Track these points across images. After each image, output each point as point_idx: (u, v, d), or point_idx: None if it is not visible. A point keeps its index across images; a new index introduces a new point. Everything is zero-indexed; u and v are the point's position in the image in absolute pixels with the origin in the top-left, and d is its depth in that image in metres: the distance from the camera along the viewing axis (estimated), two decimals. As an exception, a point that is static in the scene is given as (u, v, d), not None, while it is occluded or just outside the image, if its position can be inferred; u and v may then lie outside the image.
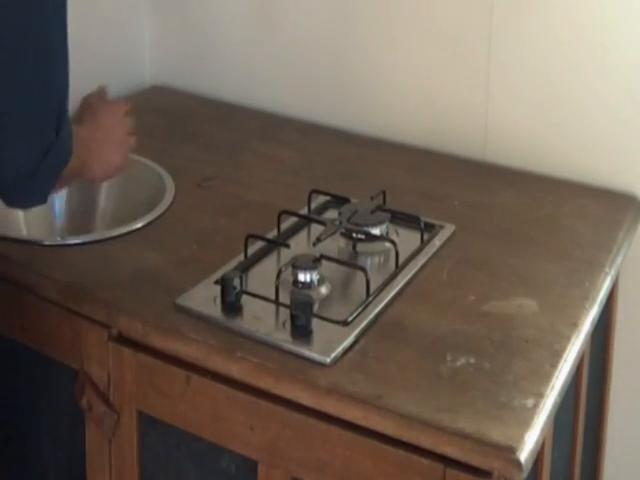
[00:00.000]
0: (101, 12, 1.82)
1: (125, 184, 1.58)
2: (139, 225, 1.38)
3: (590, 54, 1.52)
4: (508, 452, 0.94)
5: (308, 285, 1.19)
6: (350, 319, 1.13)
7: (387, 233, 1.34)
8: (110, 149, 1.23)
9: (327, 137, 1.75)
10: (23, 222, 1.51)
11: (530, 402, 1.01)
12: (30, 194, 1.09)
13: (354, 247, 1.32)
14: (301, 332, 1.11)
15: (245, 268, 1.25)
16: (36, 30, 1.03)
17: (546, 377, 1.05)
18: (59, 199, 1.60)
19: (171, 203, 1.45)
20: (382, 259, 1.31)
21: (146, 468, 1.20)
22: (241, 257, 1.26)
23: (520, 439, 0.95)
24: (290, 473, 1.08)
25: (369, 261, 1.30)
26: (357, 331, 1.12)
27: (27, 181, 1.06)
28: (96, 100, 1.29)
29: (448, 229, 1.37)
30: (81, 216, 1.62)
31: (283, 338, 1.10)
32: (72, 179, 1.19)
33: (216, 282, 1.20)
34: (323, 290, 1.20)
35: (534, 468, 1.04)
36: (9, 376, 1.32)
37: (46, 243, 1.35)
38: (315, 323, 1.12)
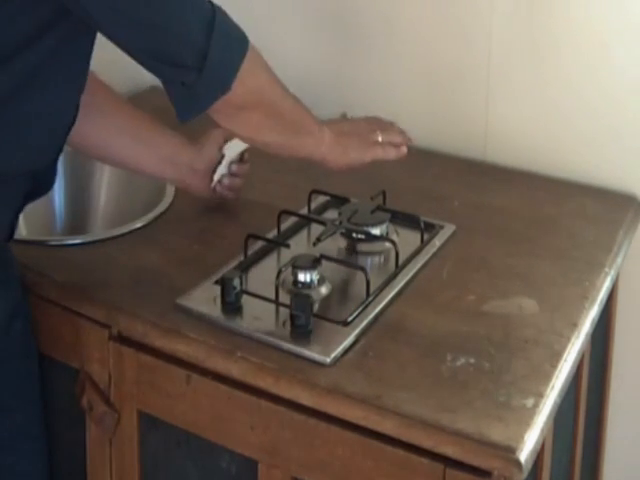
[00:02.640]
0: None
1: (125, 184, 1.59)
2: (139, 225, 1.38)
3: (590, 54, 1.52)
4: (508, 452, 0.94)
5: (308, 285, 1.19)
6: (350, 319, 1.13)
7: (387, 233, 1.34)
8: (351, 141, 1.27)
9: (327, 137, 1.75)
10: (23, 222, 1.51)
11: (530, 402, 1.01)
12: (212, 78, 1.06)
13: (354, 247, 1.32)
14: (301, 332, 1.11)
15: (245, 268, 1.25)
16: None
17: (546, 377, 1.05)
18: (59, 199, 1.60)
19: (171, 203, 1.45)
20: (382, 259, 1.31)
21: (146, 468, 1.20)
22: (241, 257, 1.26)
23: (520, 439, 0.96)
24: (290, 473, 1.08)
25: (369, 261, 1.30)
26: (357, 331, 1.12)
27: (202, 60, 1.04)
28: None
29: (448, 229, 1.37)
30: (81, 216, 1.62)
31: (283, 338, 1.10)
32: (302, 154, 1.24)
33: (216, 282, 1.20)
34: (323, 290, 1.20)
35: (534, 468, 1.04)
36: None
37: (46, 243, 1.35)
38: (315, 323, 1.12)
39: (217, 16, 1.07)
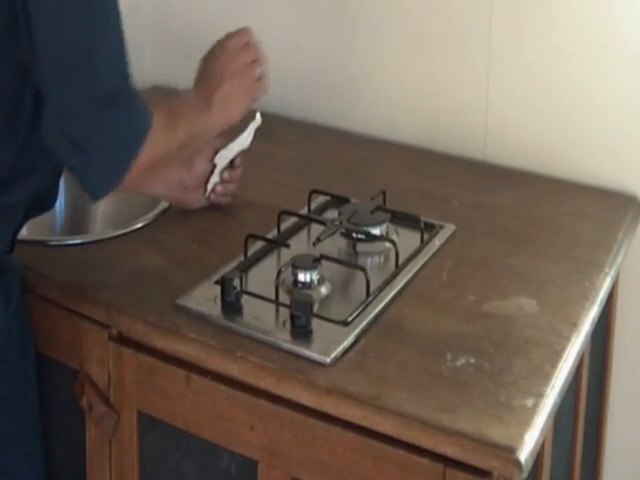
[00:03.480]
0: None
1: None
2: (139, 225, 1.38)
3: (590, 54, 1.51)
4: (508, 452, 0.94)
5: (308, 285, 1.19)
6: (350, 319, 1.13)
7: (387, 233, 1.34)
8: (232, 102, 1.23)
9: (327, 137, 1.75)
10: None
11: (530, 402, 1.01)
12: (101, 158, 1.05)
13: (354, 247, 1.32)
14: (301, 332, 1.11)
15: (245, 268, 1.25)
16: None
17: (546, 377, 1.05)
18: (59, 199, 1.59)
19: (171, 203, 1.45)
20: (382, 259, 1.31)
21: (146, 468, 1.20)
22: (241, 257, 1.26)
23: (520, 439, 0.95)
24: (290, 473, 1.08)
25: (369, 261, 1.30)
26: (357, 331, 1.12)
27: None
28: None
29: (448, 229, 1.37)
30: (81, 216, 1.62)
31: (283, 338, 1.10)
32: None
33: (216, 282, 1.20)
34: (323, 290, 1.20)
35: (534, 468, 1.04)
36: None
37: (46, 243, 1.35)
38: (315, 323, 1.12)
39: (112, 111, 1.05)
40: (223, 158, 1.41)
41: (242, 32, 1.26)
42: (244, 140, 1.42)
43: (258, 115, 1.42)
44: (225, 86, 1.22)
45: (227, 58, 1.24)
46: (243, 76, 1.24)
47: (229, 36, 1.26)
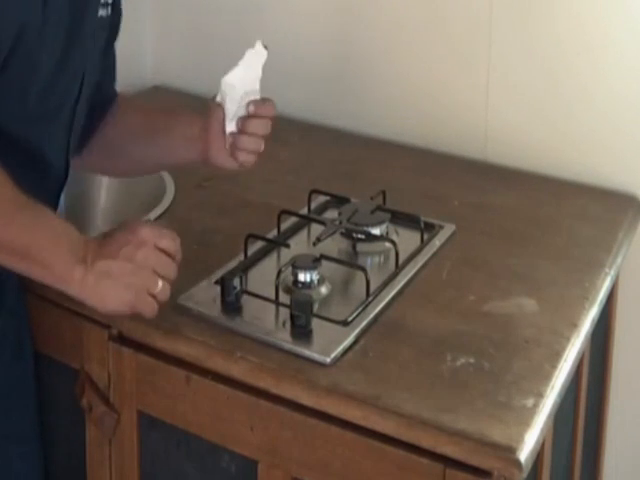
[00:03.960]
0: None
1: (125, 184, 1.59)
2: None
3: (590, 54, 1.52)
4: (508, 452, 0.94)
5: (308, 285, 1.19)
6: (350, 319, 1.13)
7: (387, 233, 1.34)
8: (116, 276, 1.01)
9: (327, 137, 1.75)
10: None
11: (530, 402, 1.01)
12: None
13: (354, 247, 1.32)
14: (301, 332, 1.11)
15: (245, 268, 1.25)
16: None
17: (546, 377, 1.05)
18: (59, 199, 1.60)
19: (171, 203, 1.45)
20: (382, 259, 1.31)
21: (146, 468, 1.20)
22: (241, 257, 1.26)
23: (520, 439, 0.95)
24: (290, 473, 1.08)
25: (369, 261, 1.30)
26: (357, 331, 1.12)
27: None
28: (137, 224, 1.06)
29: (448, 229, 1.37)
30: (81, 216, 1.62)
31: (283, 338, 1.10)
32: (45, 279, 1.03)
33: (216, 282, 1.20)
34: (323, 290, 1.20)
35: (534, 468, 1.04)
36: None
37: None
38: (315, 323, 1.12)
39: None
40: (229, 89, 1.20)
41: (170, 236, 1.05)
42: (248, 74, 1.21)
43: (259, 45, 1.21)
44: (114, 263, 1.01)
45: (141, 240, 1.02)
46: (141, 273, 1.01)
47: (157, 229, 1.05)
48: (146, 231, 1.03)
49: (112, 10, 1.20)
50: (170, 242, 1.04)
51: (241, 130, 1.22)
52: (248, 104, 1.21)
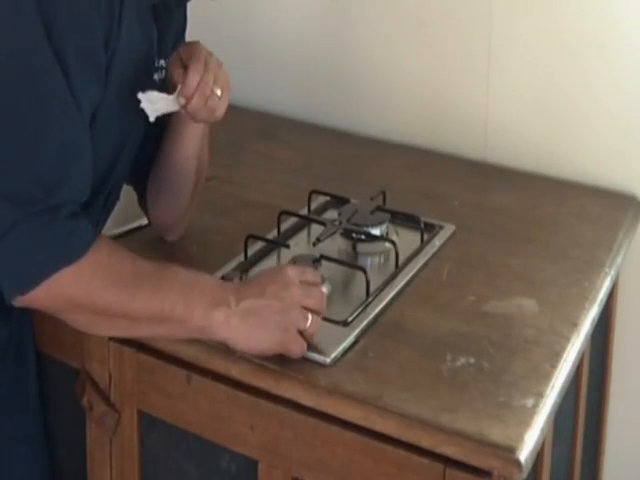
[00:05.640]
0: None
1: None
2: (139, 225, 1.38)
3: (590, 54, 1.52)
4: (508, 452, 0.94)
5: (308, 285, 1.19)
6: (350, 319, 1.13)
7: (387, 233, 1.34)
8: (264, 315, 1.01)
9: (327, 137, 1.75)
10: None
11: (530, 402, 1.01)
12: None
13: (354, 247, 1.32)
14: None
15: (245, 268, 1.25)
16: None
17: (546, 377, 1.05)
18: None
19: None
20: (382, 259, 1.31)
21: (146, 467, 1.20)
22: (241, 257, 1.26)
23: (520, 439, 0.96)
24: (290, 473, 1.08)
25: (369, 261, 1.30)
26: (357, 331, 1.12)
27: None
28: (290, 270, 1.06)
29: (448, 229, 1.37)
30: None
31: (283, 338, 1.10)
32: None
33: (216, 282, 1.20)
34: (323, 290, 1.20)
35: (534, 468, 1.04)
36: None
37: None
38: (315, 323, 1.12)
39: (29, 223, 0.96)
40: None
41: (313, 271, 1.09)
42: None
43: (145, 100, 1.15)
44: (260, 302, 1.01)
45: (288, 279, 1.03)
46: (290, 310, 1.01)
47: (302, 270, 1.07)
48: (292, 269, 1.05)
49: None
50: (314, 276, 1.07)
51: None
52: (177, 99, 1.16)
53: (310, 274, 1.07)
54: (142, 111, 1.12)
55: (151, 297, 1.01)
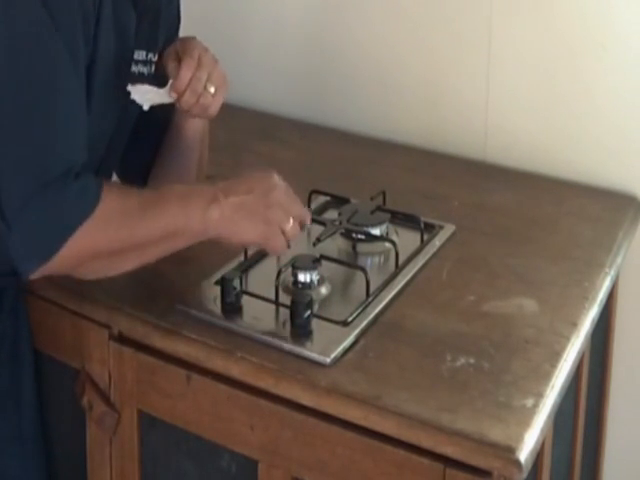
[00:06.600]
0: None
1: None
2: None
3: (590, 54, 1.52)
4: (508, 452, 0.94)
5: (308, 285, 1.19)
6: (350, 319, 1.13)
7: (387, 233, 1.34)
8: (251, 209, 1.07)
9: (327, 137, 1.75)
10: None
11: (530, 402, 1.01)
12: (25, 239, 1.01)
13: (354, 247, 1.32)
14: (301, 332, 1.11)
15: (245, 268, 1.25)
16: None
17: (546, 377, 1.05)
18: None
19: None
20: (382, 259, 1.31)
21: (146, 467, 1.21)
22: (241, 257, 1.26)
23: (520, 439, 0.96)
24: (290, 473, 1.08)
25: (369, 261, 1.30)
26: (357, 331, 1.12)
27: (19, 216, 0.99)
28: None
29: (448, 229, 1.37)
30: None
31: (283, 338, 1.10)
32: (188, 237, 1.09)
33: (216, 282, 1.20)
34: (323, 290, 1.20)
35: (534, 468, 1.04)
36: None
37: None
38: (315, 323, 1.12)
39: (57, 185, 1.01)
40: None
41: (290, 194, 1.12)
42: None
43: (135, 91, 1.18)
44: (248, 197, 1.08)
45: (275, 182, 1.10)
46: (275, 208, 1.08)
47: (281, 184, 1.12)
48: (277, 177, 1.11)
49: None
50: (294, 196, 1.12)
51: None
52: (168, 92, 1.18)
53: (292, 192, 1.12)
54: (118, 102, 1.13)
55: (156, 218, 1.06)
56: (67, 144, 1.04)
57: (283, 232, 1.09)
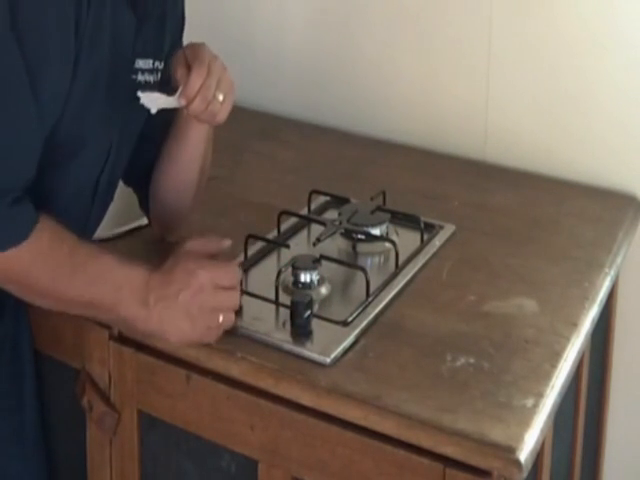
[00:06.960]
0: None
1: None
2: (139, 225, 1.38)
3: (590, 54, 1.52)
4: (508, 452, 0.94)
5: (308, 285, 1.19)
6: (350, 319, 1.13)
7: (387, 233, 1.34)
8: (177, 316, 1.07)
9: (327, 137, 1.75)
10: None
11: (530, 402, 1.01)
12: None
13: (354, 247, 1.32)
14: (301, 332, 1.11)
15: (245, 268, 1.25)
16: None
17: (546, 377, 1.05)
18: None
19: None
20: (382, 259, 1.31)
21: (146, 467, 1.20)
22: (241, 257, 1.26)
23: (520, 439, 0.96)
24: (290, 473, 1.08)
25: (369, 261, 1.30)
26: (357, 331, 1.12)
27: None
28: (194, 248, 1.13)
29: (448, 229, 1.37)
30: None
31: (283, 338, 1.10)
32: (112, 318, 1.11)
33: (216, 282, 1.20)
34: (323, 290, 1.20)
35: (534, 468, 1.04)
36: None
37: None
38: (315, 323, 1.12)
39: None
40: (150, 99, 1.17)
41: (228, 271, 1.11)
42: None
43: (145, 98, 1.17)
44: (177, 302, 1.07)
45: (200, 285, 1.07)
46: (201, 314, 1.07)
47: (215, 268, 1.09)
48: (204, 275, 1.07)
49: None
50: (229, 278, 1.09)
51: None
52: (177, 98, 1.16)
53: (226, 278, 1.09)
54: (124, 109, 1.12)
55: (83, 289, 1.08)
56: (5, 168, 1.03)
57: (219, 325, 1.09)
